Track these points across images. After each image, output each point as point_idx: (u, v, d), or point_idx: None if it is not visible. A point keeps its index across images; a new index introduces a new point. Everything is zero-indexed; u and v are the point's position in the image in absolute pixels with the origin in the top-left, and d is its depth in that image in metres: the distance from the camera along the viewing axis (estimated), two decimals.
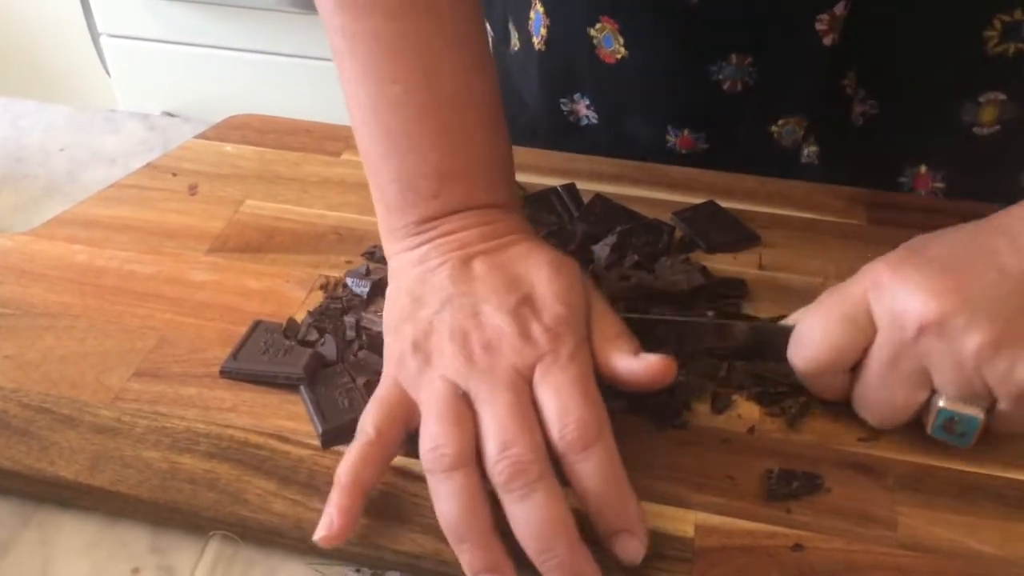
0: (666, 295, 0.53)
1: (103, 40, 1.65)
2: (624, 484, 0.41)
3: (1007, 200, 0.46)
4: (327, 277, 0.56)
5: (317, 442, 0.46)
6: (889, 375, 0.44)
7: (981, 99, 0.62)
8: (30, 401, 0.48)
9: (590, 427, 0.40)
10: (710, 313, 0.52)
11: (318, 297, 0.55)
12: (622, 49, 0.65)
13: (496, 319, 0.44)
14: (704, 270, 0.55)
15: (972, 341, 0.41)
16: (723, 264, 0.57)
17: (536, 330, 0.44)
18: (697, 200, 0.62)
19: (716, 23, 0.62)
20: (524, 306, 0.45)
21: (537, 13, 0.70)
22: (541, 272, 0.46)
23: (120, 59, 1.66)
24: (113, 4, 1.59)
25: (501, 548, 0.39)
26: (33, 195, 0.67)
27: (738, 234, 0.60)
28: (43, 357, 0.50)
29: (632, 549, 0.40)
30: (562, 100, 0.72)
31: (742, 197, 0.63)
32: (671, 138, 0.69)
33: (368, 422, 0.43)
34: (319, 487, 0.44)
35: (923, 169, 0.66)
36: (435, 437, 0.41)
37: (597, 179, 0.64)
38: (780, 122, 0.65)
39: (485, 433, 0.41)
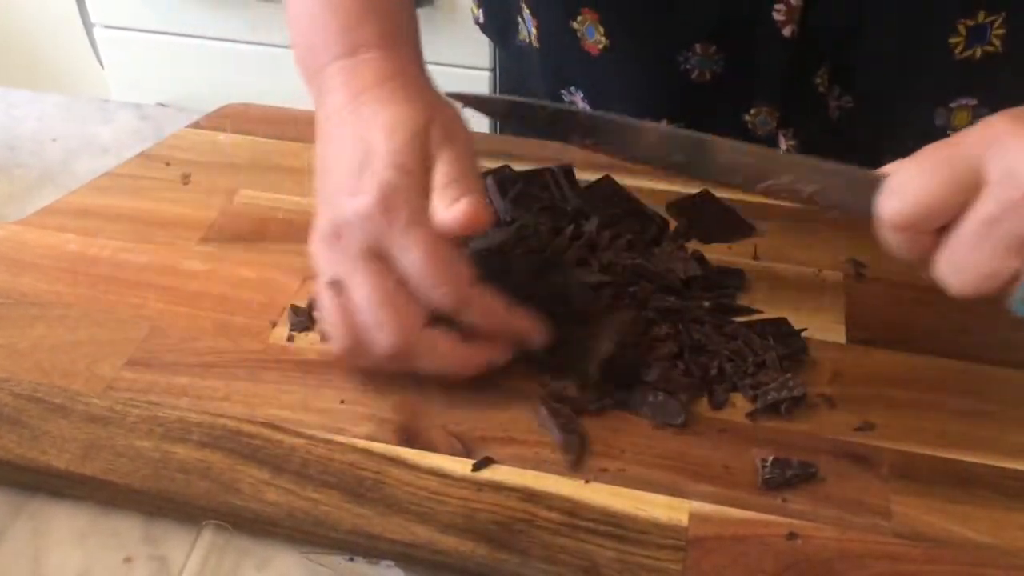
0: (661, 279, 0.53)
1: (96, 31, 1.64)
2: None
3: None
4: None
5: (310, 431, 0.46)
6: (985, 236, 0.39)
7: (952, 104, 0.62)
8: (21, 390, 0.48)
9: (448, 298, 0.44)
10: (706, 301, 0.52)
11: (311, 287, 0.54)
12: (603, 39, 0.65)
13: (339, 200, 0.46)
14: (701, 259, 0.55)
15: None
16: (718, 254, 0.57)
17: (366, 205, 0.45)
18: (692, 190, 0.62)
19: (679, 11, 0.62)
20: (359, 175, 0.46)
21: (526, 13, 0.71)
22: (379, 132, 0.47)
23: (113, 50, 1.66)
24: None
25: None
26: (26, 184, 0.66)
27: (733, 224, 0.60)
28: (34, 346, 0.50)
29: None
30: (562, 91, 0.72)
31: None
32: None
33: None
34: (312, 476, 0.44)
35: None
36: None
37: (593, 168, 0.64)
38: (752, 111, 0.65)
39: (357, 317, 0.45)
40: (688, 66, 0.64)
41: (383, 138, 0.46)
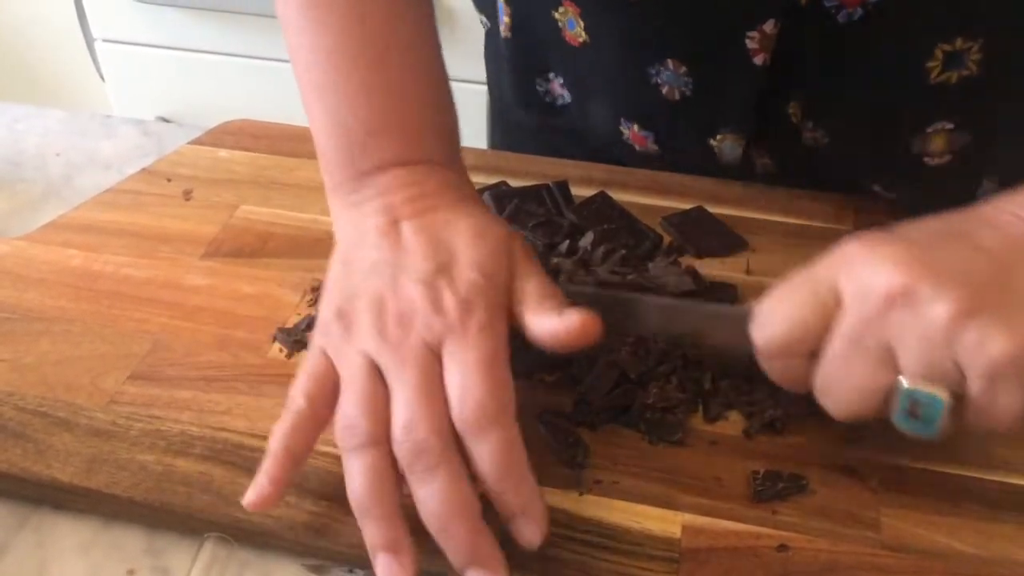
0: (655, 294, 0.54)
1: (97, 45, 1.65)
2: (520, 467, 0.41)
3: None
4: (321, 281, 0.57)
5: None
6: (852, 353, 0.41)
7: (929, 129, 0.60)
8: (26, 404, 0.48)
9: (487, 409, 0.40)
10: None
11: (304, 306, 0.55)
12: (583, 33, 0.65)
13: (410, 289, 0.44)
14: (695, 274, 0.56)
15: (940, 311, 0.39)
16: (711, 269, 0.58)
17: (448, 301, 0.43)
18: (686, 205, 0.63)
19: (655, 25, 0.61)
20: (440, 274, 0.44)
21: (499, 1, 0.71)
22: (462, 237, 0.46)
23: (114, 64, 1.67)
24: (107, 9, 1.60)
25: (402, 527, 0.40)
26: (30, 199, 0.67)
27: (726, 239, 0.61)
28: (39, 361, 0.51)
29: (528, 532, 0.40)
30: (538, 80, 0.72)
31: (730, 203, 0.64)
32: (624, 131, 0.69)
33: (298, 391, 0.44)
34: (312, 489, 0.44)
35: (877, 188, 0.66)
36: (348, 416, 0.42)
37: (587, 184, 0.65)
38: (719, 136, 0.64)
39: (393, 412, 0.41)
40: (659, 80, 0.63)
41: (468, 243, 0.45)
